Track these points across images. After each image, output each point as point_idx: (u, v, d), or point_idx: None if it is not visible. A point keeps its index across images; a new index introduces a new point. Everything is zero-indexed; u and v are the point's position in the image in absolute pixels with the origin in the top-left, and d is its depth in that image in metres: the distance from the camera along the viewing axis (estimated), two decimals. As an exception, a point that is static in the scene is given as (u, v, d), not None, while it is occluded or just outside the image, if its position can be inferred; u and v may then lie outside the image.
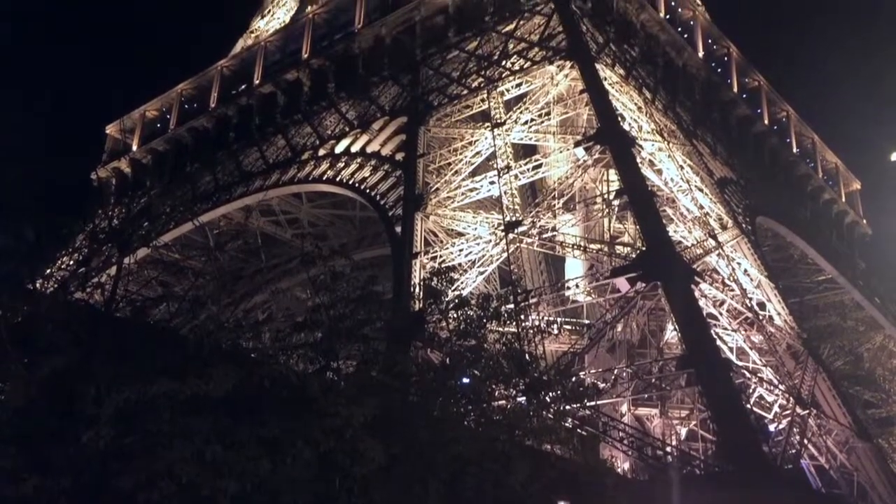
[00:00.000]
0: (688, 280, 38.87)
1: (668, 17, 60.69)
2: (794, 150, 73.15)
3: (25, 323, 14.66)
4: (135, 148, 74.39)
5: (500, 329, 24.85)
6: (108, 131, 77.63)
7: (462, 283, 42.14)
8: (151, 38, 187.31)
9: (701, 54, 62.90)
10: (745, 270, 47.39)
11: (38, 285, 16.24)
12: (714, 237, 45.39)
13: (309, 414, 14.25)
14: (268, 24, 79.24)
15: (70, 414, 13.35)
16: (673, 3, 62.67)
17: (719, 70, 65.80)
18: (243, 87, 68.94)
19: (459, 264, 44.27)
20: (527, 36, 52.72)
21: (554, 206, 45.61)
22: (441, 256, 45.85)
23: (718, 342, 38.94)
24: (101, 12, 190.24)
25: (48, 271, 17.96)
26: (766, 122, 69.14)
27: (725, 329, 41.71)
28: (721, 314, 41.63)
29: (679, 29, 61.90)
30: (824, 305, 73.36)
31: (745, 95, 67.90)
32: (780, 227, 62.44)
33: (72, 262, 19.33)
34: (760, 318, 44.14)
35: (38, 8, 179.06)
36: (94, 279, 17.26)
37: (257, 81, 67.52)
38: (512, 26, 53.95)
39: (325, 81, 62.66)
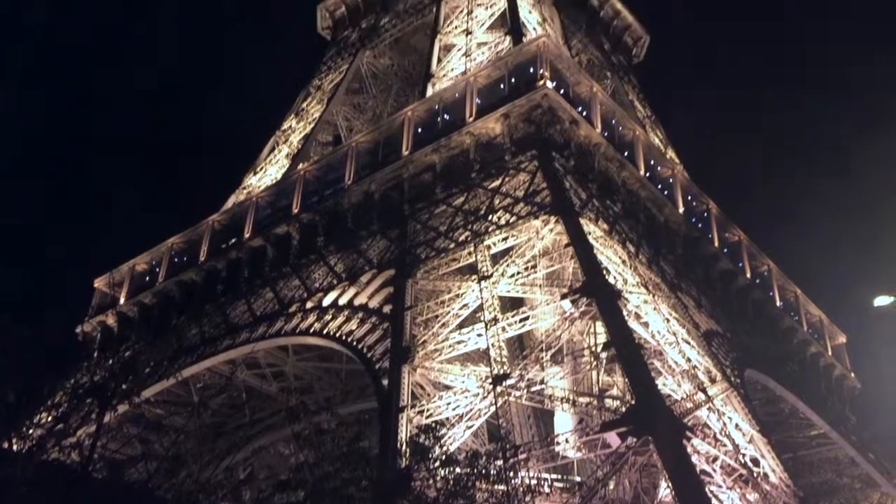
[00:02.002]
0: (679, 435, 38.19)
1: (648, 174, 62.72)
2: (778, 303, 73.84)
3: (-2, 485, 14.13)
4: (122, 301, 74.28)
5: (490, 488, 24.15)
6: (96, 285, 77.68)
7: (450, 437, 41.23)
8: (146, 193, 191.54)
9: (681, 210, 64.66)
10: (737, 425, 46.70)
11: (13, 445, 15.78)
12: (704, 391, 45.01)
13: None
14: (260, 180, 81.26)
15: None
16: (652, 162, 64.99)
17: (700, 225, 67.40)
18: (233, 240, 69.81)
19: (447, 418, 43.48)
20: (512, 192, 54.17)
21: (542, 358, 45.41)
22: (428, 410, 45.10)
23: (714, 501, 37.80)
24: (97, 166, 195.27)
25: (25, 428, 17.48)
26: (748, 275, 70.16)
27: (720, 487, 40.62)
28: (715, 471, 40.67)
29: (659, 186, 63.90)
30: (819, 461, 71.69)
31: (726, 250, 69.28)
32: (769, 380, 62.10)
33: (50, 419, 18.86)
34: (755, 475, 43.13)
35: (29, 164, 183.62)
36: (72, 438, 16.82)
37: (248, 235, 68.46)
38: (497, 182, 55.52)
39: (315, 235, 63.69)
